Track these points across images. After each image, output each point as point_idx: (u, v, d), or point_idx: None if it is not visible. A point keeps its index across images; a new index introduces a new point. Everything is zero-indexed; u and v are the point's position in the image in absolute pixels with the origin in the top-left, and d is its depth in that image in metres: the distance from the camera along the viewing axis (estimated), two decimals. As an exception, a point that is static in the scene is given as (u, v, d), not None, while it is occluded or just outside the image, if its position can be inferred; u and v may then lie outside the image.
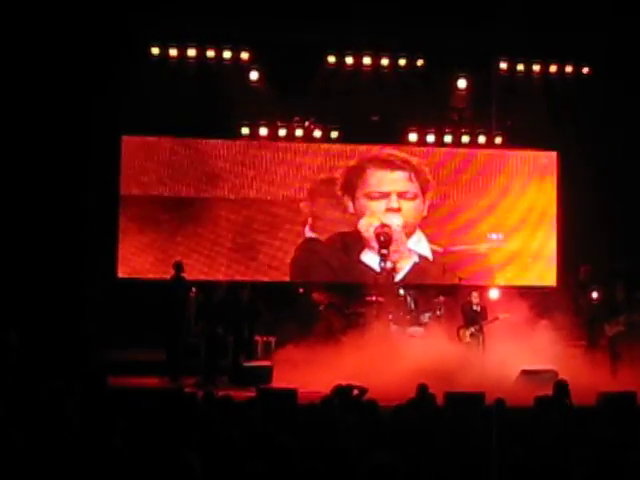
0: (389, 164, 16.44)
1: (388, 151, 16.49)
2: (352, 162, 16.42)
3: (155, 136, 16.05)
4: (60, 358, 12.30)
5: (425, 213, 16.46)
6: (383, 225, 15.97)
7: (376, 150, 16.53)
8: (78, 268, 14.85)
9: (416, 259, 16.31)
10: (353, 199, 16.37)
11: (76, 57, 14.59)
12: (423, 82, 16.06)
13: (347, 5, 14.58)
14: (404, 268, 16.19)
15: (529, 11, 14.70)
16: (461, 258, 16.40)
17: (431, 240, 16.44)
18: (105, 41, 14.62)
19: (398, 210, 16.29)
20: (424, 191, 16.44)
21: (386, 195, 16.34)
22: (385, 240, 15.74)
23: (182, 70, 15.65)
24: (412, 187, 16.44)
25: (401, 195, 16.38)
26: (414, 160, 16.45)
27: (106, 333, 13.83)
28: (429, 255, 16.38)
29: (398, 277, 16.09)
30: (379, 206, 16.31)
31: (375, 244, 15.87)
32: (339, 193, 16.31)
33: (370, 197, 16.36)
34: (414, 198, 16.42)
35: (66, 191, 14.94)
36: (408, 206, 16.38)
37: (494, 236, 16.45)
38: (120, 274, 15.78)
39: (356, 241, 16.26)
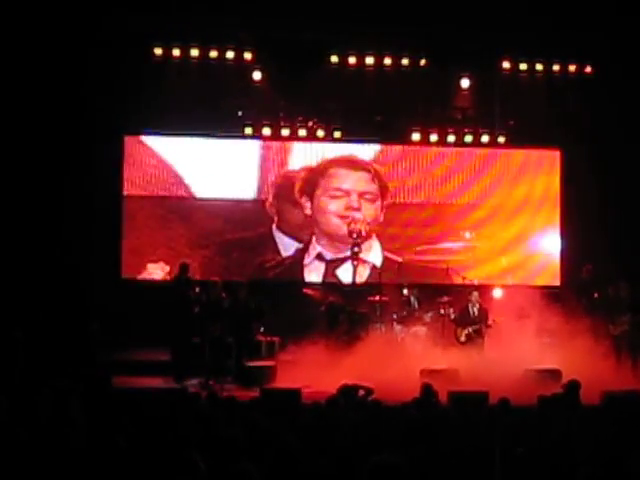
0: (352, 163, 16.48)
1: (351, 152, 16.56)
2: (315, 163, 16.45)
3: (158, 135, 16.07)
4: (64, 358, 12.31)
5: (382, 219, 16.47)
6: (355, 221, 16.05)
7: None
8: (81, 268, 14.87)
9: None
10: (312, 199, 16.40)
11: (79, 57, 14.61)
12: (426, 82, 16.08)
13: (350, 5, 14.58)
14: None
15: (532, 11, 14.69)
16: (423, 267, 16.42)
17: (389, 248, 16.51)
18: (108, 41, 14.64)
19: (358, 209, 16.33)
20: (383, 195, 16.46)
21: (347, 194, 16.37)
22: (358, 237, 15.81)
23: (185, 70, 15.67)
24: (373, 189, 16.47)
25: (361, 195, 16.43)
26: (376, 166, 16.52)
27: (110, 333, 13.82)
28: (378, 263, 16.44)
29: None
30: (339, 205, 16.35)
31: (348, 240, 15.99)
32: (297, 195, 16.33)
33: (331, 196, 16.37)
34: (373, 200, 16.46)
35: (69, 191, 14.97)
36: (367, 207, 16.43)
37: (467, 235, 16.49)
38: (123, 274, 15.81)
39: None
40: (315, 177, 16.38)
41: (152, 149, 16.06)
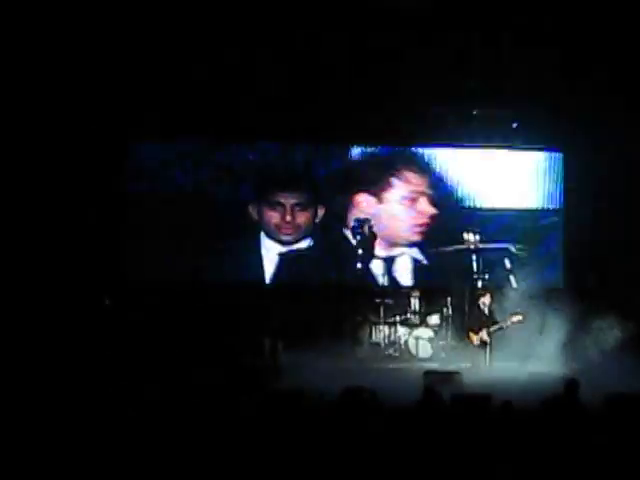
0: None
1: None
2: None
3: (164, 139, 16.08)
4: (68, 360, 12.34)
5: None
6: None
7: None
8: (85, 272, 14.89)
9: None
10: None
11: (83, 62, 14.65)
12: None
13: None
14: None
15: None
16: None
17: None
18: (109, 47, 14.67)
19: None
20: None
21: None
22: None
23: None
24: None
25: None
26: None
27: (115, 336, 13.84)
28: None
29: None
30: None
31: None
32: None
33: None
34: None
35: (72, 195, 15.00)
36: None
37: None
38: (129, 277, 15.84)
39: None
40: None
41: (157, 152, 16.10)
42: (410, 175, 16.44)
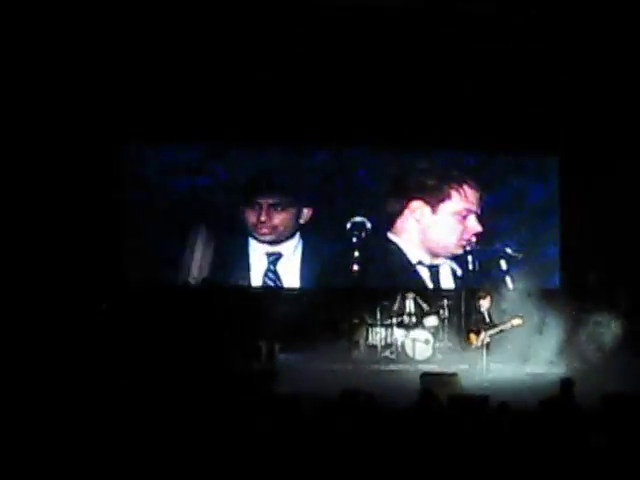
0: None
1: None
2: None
3: (156, 142, 16.08)
4: (66, 362, 12.32)
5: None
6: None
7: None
8: (82, 274, 14.87)
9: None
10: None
11: (78, 63, 14.64)
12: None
13: None
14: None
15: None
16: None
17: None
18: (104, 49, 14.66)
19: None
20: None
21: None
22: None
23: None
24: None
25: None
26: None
27: (114, 338, 13.82)
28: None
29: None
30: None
31: None
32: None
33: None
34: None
35: (68, 197, 14.99)
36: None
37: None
38: (126, 280, 15.83)
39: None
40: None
41: (151, 155, 16.12)
42: (467, 190, 16.50)
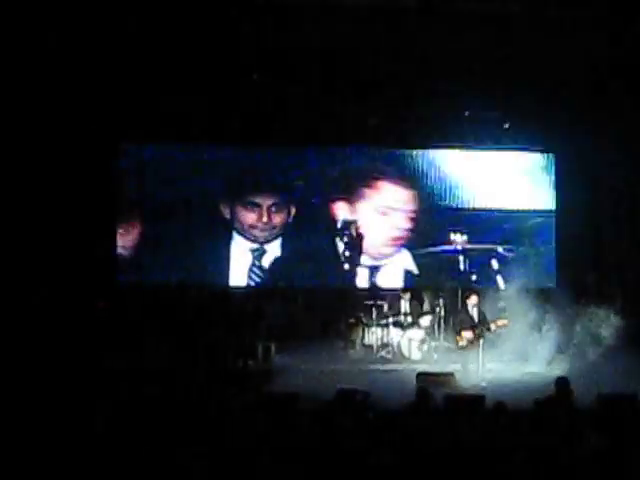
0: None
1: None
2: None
3: (155, 141, 16.09)
4: (63, 363, 12.31)
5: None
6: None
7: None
8: (77, 273, 14.86)
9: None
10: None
11: (77, 62, 14.62)
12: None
13: None
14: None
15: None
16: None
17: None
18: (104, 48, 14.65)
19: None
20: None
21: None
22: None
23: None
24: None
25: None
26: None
27: (109, 338, 13.81)
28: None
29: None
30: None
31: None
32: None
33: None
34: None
35: (64, 196, 14.98)
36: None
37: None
38: (119, 278, 15.83)
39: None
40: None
41: (148, 154, 16.13)
42: (386, 186, 16.48)
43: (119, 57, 14.53)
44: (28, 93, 14.40)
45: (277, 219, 16.25)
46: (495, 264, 16.43)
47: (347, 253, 16.05)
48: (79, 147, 15.04)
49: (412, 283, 16.31)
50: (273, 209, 16.25)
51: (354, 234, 15.96)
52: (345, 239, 16.03)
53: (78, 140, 15.02)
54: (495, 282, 16.10)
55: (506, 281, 15.82)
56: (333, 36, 14.38)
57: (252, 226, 16.21)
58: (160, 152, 16.15)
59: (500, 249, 16.53)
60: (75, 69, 14.50)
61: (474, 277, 16.27)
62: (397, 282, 16.38)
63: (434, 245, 16.40)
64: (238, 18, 14.02)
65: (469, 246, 16.42)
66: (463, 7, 14.03)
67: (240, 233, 16.22)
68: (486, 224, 16.61)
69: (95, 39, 14.07)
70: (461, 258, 16.43)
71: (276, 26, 14.23)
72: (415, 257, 16.45)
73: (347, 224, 16.06)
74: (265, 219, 16.15)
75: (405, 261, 16.46)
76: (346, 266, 16.07)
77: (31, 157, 14.76)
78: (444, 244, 16.39)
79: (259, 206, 16.22)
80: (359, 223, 16.08)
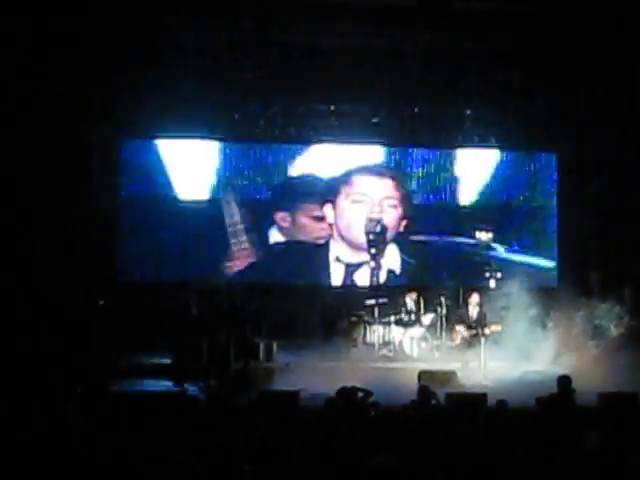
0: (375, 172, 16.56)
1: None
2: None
3: (155, 139, 16.08)
4: (62, 363, 12.30)
5: (402, 229, 16.52)
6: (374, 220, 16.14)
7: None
8: (78, 271, 14.84)
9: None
10: (334, 205, 16.46)
11: (77, 59, 14.61)
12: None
13: None
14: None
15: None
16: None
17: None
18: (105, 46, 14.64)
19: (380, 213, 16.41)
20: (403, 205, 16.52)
21: (371, 199, 16.42)
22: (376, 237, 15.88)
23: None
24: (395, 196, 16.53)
25: (385, 200, 16.49)
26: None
27: (109, 337, 13.81)
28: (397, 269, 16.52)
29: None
30: (363, 210, 16.39)
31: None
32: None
33: (355, 201, 16.41)
34: (395, 207, 16.52)
35: (65, 195, 14.96)
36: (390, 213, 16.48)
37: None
38: (120, 277, 15.82)
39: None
40: (338, 184, 16.47)
41: (149, 152, 16.11)
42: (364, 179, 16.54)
43: (122, 56, 14.60)
44: (28, 93, 14.42)
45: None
46: (497, 263, 16.44)
47: (373, 251, 16.11)
48: (80, 144, 15.04)
49: (408, 276, 16.39)
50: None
51: (379, 231, 16.04)
52: (371, 237, 16.06)
53: (80, 137, 15.02)
54: (497, 280, 16.08)
55: (508, 279, 15.79)
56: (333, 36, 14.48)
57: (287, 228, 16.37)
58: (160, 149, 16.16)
59: (501, 247, 16.53)
60: (78, 68, 14.54)
61: (476, 275, 16.25)
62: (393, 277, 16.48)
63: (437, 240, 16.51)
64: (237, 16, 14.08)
65: (472, 241, 16.45)
66: (463, 7, 14.08)
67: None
68: (487, 222, 16.63)
69: (95, 39, 14.12)
70: (464, 255, 16.46)
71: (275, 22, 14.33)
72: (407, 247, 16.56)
73: (373, 222, 16.12)
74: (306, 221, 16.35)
75: (395, 255, 16.52)
76: (372, 264, 16.19)
77: (31, 156, 14.75)
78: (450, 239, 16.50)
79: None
80: (384, 220, 16.18)
